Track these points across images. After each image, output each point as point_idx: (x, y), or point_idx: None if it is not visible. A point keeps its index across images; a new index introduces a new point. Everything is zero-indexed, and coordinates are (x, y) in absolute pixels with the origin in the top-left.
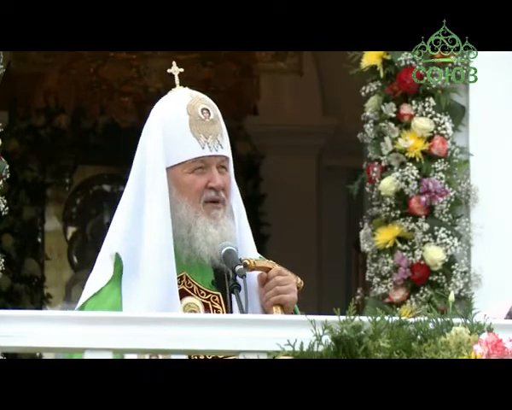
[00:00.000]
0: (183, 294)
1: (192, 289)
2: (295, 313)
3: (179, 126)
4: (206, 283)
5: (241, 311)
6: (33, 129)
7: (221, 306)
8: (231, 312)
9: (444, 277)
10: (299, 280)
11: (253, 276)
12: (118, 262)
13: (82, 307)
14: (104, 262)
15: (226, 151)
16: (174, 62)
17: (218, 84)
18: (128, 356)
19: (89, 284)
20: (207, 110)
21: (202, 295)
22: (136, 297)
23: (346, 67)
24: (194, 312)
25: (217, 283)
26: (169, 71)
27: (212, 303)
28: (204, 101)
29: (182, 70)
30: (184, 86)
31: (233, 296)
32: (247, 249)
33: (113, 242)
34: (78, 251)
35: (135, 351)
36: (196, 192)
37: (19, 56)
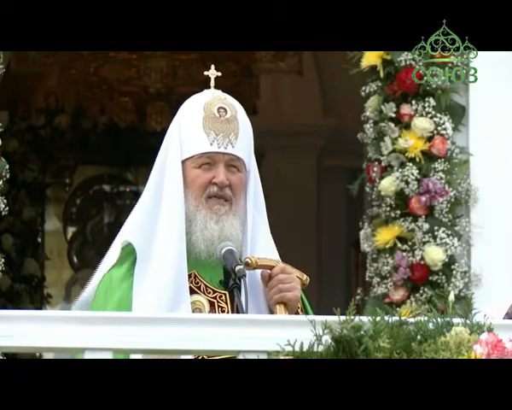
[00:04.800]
0: (189, 292)
1: (199, 288)
2: (305, 308)
3: (193, 122)
4: (215, 281)
5: (241, 311)
6: (33, 129)
7: (227, 304)
8: (237, 310)
9: (444, 277)
10: (305, 277)
11: (258, 274)
12: (131, 252)
13: (95, 293)
14: (113, 248)
15: (238, 151)
16: (213, 66)
17: (217, 84)
18: (133, 356)
19: (98, 270)
20: (224, 109)
21: (209, 293)
22: (146, 288)
23: (346, 67)
24: (200, 309)
25: (225, 282)
26: (206, 73)
27: (218, 301)
28: (224, 101)
29: (219, 74)
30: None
31: (241, 295)
32: (259, 251)
33: (127, 231)
34: (78, 251)
35: (135, 351)
36: (199, 187)
37: (19, 56)
